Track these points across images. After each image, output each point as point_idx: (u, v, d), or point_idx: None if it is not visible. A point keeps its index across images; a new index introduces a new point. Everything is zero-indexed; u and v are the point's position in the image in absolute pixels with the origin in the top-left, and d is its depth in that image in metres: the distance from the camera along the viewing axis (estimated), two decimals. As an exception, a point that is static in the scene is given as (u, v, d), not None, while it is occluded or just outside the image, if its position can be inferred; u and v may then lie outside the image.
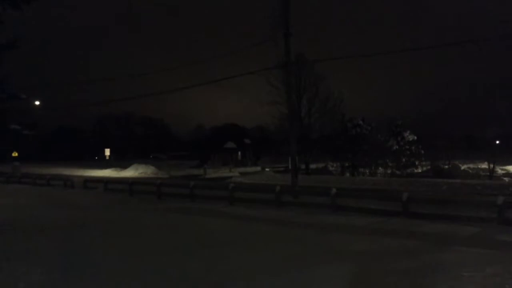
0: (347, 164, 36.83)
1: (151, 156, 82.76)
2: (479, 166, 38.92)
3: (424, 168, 35.83)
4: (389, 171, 34.67)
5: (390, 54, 45.92)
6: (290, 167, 20.03)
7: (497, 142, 37.48)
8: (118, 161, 53.62)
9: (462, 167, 37.72)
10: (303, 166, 38.04)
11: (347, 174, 34.92)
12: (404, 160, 35.28)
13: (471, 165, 39.95)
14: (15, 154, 48.27)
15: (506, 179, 29.30)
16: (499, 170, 36.52)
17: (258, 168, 45.56)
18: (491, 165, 34.29)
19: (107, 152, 51.07)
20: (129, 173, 42.59)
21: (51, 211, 16.12)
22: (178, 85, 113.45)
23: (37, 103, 42.63)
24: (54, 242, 10.26)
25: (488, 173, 33.70)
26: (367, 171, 34.98)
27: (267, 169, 42.24)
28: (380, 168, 35.20)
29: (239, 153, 66.68)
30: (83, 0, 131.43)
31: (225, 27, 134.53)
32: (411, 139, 35.33)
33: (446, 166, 34.90)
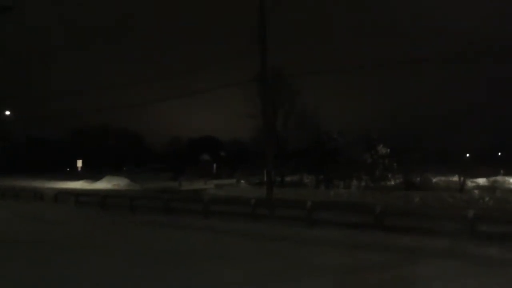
0: (322, 177, 36.94)
1: (124, 169, 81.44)
2: (450, 179, 39.60)
3: (397, 181, 36.19)
4: (363, 184, 34.87)
5: (365, 68, 46.78)
6: (265, 179, 19.98)
7: (467, 155, 38.30)
8: (91, 173, 52.57)
9: (434, 180, 38.27)
10: (278, 179, 37.92)
11: (322, 187, 34.90)
12: (377, 173, 35.55)
13: (443, 178, 40.61)
14: (-18, 165, 46.78)
15: (476, 191, 29.91)
16: (470, 183, 37.24)
17: (233, 181, 45.48)
18: (462, 178, 34.92)
19: (79, 163, 49.98)
20: (102, 185, 41.88)
21: (16, 225, 15.58)
22: (153, 97, 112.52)
23: (7, 113, 41.49)
24: (15, 258, 9.87)
25: (459, 186, 34.29)
26: (341, 184, 35.12)
27: (242, 182, 42.10)
28: (354, 181, 35.39)
29: (214, 165, 66.50)
30: (55, 11, 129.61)
31: (203, 40, 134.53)
32: (384, 152, 35.66)
33: (418, 179, 35.30)
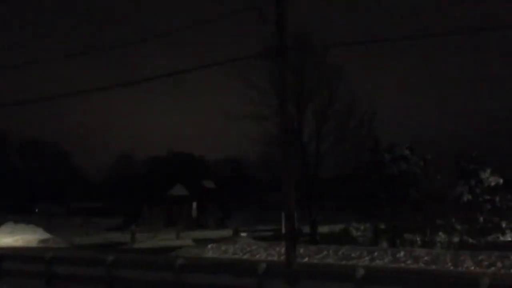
0: (383, 227, 36.82)
1: (36, 210, 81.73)
2: None
3: (518, 234, 35.98)
4: (456, 239, 34.68)
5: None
6: (283, 230, 19.95)
7: None
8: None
9: None
10: (306, 229, 38.25)
11: (384, 244, 34.92)
12: (482, 219, 35.36)
13: None
14: None
15: None
16: None
17: (228, 232, 45.92)
18: None
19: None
20: (-5, 239, 42.00)
21: None
22: (89, 85, 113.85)
23: None
24: None
25: None
26: (418, 239, 34.90)
27: (243, 234, 42.57)
28: (441, 233, 35.16)
29: (194, 204, 67.15)
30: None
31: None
32: (493, 184, 35.46)
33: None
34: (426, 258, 26.42)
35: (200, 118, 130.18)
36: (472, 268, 23.47)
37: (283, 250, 19.52)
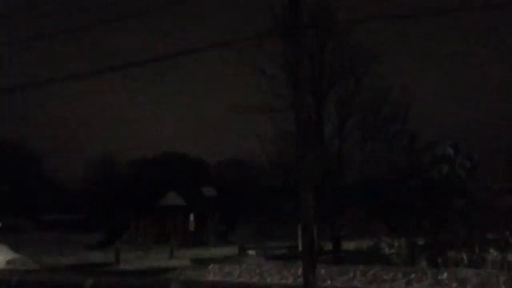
0: (421, 243, 35.30)
1: (0, 224, 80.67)
2: None
3: None
4: (511, 257, 32.50)
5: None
6: (300, 246, 19.02)
7: None
8: None
9: None
10: (328, 246, 37.39)
11: (423, 263, 33.36)
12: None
13: None
14: None
15: None
16: None
17: (232, 250, 45.33)
18: None
19: None
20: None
21: None
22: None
23: None
24: None
25: None
26: (464, 257, 33.24)
27: (251, 252, 41.79)
28: (492, 250, 33.43)
29: (192, 216, 66.57)
30: None
31: None
32: (557, 190, 33.62)
33: None
34: (474, 280, 25.54)
35: (197, 113, 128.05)
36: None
37: (299, 271, 20.20)
